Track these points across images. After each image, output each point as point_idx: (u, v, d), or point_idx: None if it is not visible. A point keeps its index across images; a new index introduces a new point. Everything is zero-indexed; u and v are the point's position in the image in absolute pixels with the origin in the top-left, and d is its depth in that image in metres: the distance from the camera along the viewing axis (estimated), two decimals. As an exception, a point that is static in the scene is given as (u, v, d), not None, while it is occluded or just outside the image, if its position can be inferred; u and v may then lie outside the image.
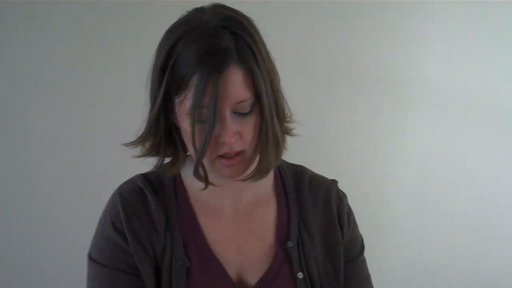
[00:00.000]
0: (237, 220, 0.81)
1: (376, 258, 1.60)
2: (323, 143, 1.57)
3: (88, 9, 1.42)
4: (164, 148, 0.76)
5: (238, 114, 0.68)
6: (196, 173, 0.71)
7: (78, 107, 1.46)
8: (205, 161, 0.72)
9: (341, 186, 0.89)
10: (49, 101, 1.45)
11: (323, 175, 0.91)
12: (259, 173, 0.74)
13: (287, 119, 0.77)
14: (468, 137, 1.64)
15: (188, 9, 0.73)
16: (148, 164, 0.80)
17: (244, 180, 0.75)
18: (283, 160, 0.88)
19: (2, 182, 1.48)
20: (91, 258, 0.79)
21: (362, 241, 0.90)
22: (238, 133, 0.69)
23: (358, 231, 0.89)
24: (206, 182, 0.73)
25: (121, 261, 0.76)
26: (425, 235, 1.70)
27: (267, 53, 0.72)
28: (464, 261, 1.72)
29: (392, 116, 1.60)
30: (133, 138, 0.77)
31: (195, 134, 0.66)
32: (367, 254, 0.89)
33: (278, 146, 0.73)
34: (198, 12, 0.70)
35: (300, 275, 0.79)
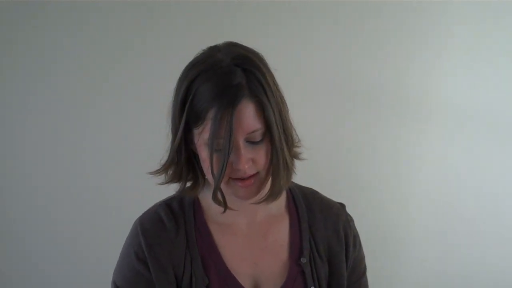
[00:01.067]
0: (252, 238, 0.88)
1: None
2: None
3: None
4: (185, 175, 0.84)
5: (251, 142, 0.75)
6: (214, 198, 0.78)
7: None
8: (222, 185, 0.78)
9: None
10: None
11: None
12: (272, 196, 0.81)
13: (296, 144, 0.84)
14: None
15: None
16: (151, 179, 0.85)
17: (258, 203, 0.81)
18: (294, 183, 0.94)
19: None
20: (116, 285, 0.85)
21: (365, 262, 0.96)
22: (251, 160, 0.76)
23: (362, 253, 0.96)
24: (225, 206, 0.80)
25: None
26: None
27: (276, 85, 0.79)
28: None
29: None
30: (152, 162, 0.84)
31: (213, 163, 0.74)
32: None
33: (288, 170, 0.80)
34: (213, 50, 0.78)
35: None
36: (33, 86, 1.47)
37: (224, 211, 0.81)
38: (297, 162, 0.85)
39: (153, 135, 1.45)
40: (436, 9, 1.53)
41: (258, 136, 0.75)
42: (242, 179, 0.77)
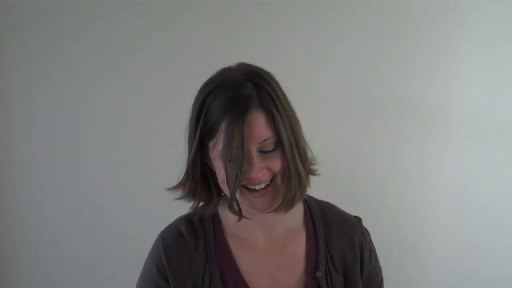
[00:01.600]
0: (269, 252, 0.89)
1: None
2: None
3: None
4: (200, 192, 0.86)
5: (264, 152, 0.78)
6: (230, 207, 0.81)
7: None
8: (238, 197, 0.81)
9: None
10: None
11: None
12: (285, 205, 0.83)
13: (310, 161, 0.86)
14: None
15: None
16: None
17: (271, 212, 0.83)
18: (311, 197, 0.96)
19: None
20: None
21: (381, 274, 0.96)
22: (265, 168, 0.78)
23: (379, 265, 0.96)
24: (240, 214, 0.82)
25: None
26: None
27: (287, 101, 0.82)
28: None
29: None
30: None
31: (228, 172, 0.76)
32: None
33: (301, 182, 0.82)
34: (225, 70, 0.83)
35: None
36: (32, 85, 1.49)
37: (239, 219, 0.83)
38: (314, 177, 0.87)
39: (154, 136, 1.52)
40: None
41: (270, 145, 0.77)
42: (257, 190, 0.80)
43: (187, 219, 0.92)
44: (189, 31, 1.49)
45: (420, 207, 1.60)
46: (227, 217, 0.90)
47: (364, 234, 0.94)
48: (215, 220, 0.91)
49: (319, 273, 0.88)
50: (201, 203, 0.89)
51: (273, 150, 0.78)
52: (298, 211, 0.92)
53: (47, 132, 1.53)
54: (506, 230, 1.62)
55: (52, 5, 1.45)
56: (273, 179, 0.80)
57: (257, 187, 0.79)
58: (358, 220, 0.96)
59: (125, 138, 1.54)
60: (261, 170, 0.77)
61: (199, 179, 0.84)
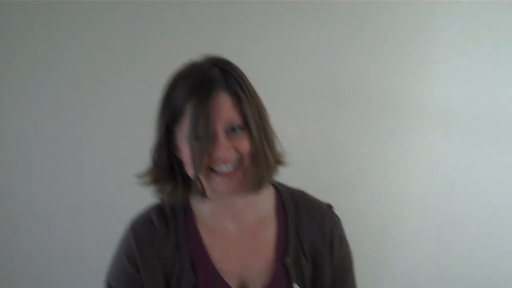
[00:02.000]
0: (240, 239, 0.90)
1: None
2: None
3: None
4: (164, 180, 0.86)
5: (231, 133, 0.78)
6: (195, 185, 0.81)
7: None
8: (205, 181, 0.81)
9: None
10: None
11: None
12: (252, 187, 0.82)
13: (279, 153, 0.86)
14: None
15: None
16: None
17: (239, 194, 0.82)
18: (283, 185, 0.97)
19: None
20: (109, 285, 0.89)
21: (351, 259, 0.96)
22: (232, 148, 0.78)
23: (349, 251, 0.96)
24: (204, 193, 0.83)
25: None
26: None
27: (254, 90, 0.83)
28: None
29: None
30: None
31: (194, 151, 0.77)
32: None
33: (269, 165, 0.82)
34: (194, 60, 0.84)
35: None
36: (32, 86, 1.48)
37: (203, 196, 0.83)
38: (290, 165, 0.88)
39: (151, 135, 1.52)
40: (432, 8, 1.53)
41: (236, 127, 0.78)
42: (225, 174, 0.79)
43: (158, 208, 0.92)
44: (189, 31, 1.48)
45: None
46: (198, 207, 0.91)
47: (334, 221, 0.94)
48: (187, 209, 0.92)
49: (288, 260, 0.89)
50: (167, 192, 0.88)
51: (240, 132, 0.78)
52: (269, 198, 0.93)
53: (44, 131, 1.52)
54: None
55: (52, 5, 1.45)
56: (241, 163, 0.80)
57: (224, 168, 0.79)
58: (329, 207, 0.96)
59: (124, 138, 1.53)
60: (228, 150, 0.77)
61: (165, 166, 0.84)
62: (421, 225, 1.65)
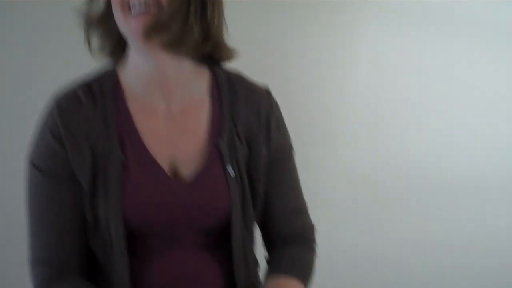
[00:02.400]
0: (171, 120, 0.87)
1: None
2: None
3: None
4: (102, 33, 0.85)
5: None
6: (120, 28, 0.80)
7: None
8: (122, 21, 0.79)
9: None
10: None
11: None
12: (163, 41, 0.78)
13: (217, 32, 0.83)
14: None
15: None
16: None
17: (143, 38, 0.78)
18: (221, 68, 0.93)
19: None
20: (32, 164, 0.84)
21: (291, 147, 0.97)
22: None
23: (288, 136, 0.96)
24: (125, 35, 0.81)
25: (61, 167, 0.83)
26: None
27: None
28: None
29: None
30: None
31: None
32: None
33: (188, 28, 0.78)
34: None
35: (230, 171, 0.87)
36: (31, 86, 1.49)
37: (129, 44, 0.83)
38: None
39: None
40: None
41: None
42: (137, 14, 0.77)
43: (85, 84, 0.87)
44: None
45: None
46: (129, 81, 0.87)
47: (271, 104, 0.93)
48: (116, 85, 0.88)
49: (221, 141, 0.87)
50: (106, 48, 0.87)
51: None
52: (203, 79, 0.90)
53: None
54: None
55: (53, 5, 1.43)
56: (157, 8, 0.77)
57: (137, 6, 0.76)
58: (267, 92, 0.95)
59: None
60: None
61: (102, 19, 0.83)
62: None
